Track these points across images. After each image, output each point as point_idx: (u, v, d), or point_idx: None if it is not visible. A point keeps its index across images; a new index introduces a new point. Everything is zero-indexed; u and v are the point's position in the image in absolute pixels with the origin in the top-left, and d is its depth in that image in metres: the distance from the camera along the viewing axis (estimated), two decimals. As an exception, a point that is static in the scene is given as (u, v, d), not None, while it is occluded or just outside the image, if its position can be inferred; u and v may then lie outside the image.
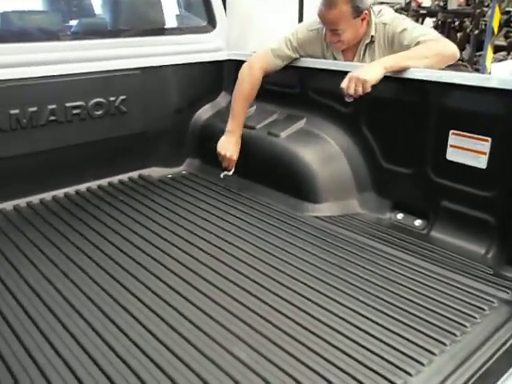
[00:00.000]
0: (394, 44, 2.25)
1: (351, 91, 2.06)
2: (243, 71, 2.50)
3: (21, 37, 2.29)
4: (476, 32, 7.44)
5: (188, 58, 2.68)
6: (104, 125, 2.47)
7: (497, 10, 4.66)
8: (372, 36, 2.30)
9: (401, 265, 1.88)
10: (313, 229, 2.16)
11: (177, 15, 2.87)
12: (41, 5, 2.53)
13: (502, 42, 7.68)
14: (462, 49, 8.37)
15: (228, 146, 2.49)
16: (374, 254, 1.95)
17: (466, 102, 1.94)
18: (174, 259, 1.91)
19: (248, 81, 2.48)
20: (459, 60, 7.89)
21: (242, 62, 2.72)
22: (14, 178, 2.27)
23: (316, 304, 1.63)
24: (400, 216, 2.23)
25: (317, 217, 2.26)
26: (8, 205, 2.30)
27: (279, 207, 2.35)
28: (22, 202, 2.34)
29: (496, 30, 4.93)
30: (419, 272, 1.83)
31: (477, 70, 6.87)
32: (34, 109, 2.25)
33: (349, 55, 2.40)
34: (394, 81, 2.11)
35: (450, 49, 2.13)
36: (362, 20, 2.26)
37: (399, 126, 2.18)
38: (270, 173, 2.47)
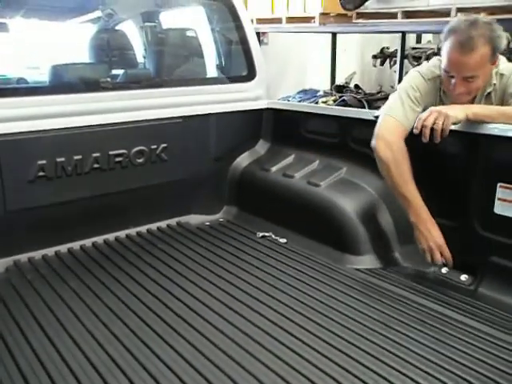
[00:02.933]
0: (505, 96, 2.06)
1: (429, 123, 1.89)
2: (383, 153, 2.08)
3: (68, 88, 2.37)
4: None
5: (228, 107, 2.72)
6: (144, 172, 2.51)
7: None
8: (494, 84, 2.07)
9: (449, 323, 1.80)
10: (354, 282, 2.11)
11: (217, 65, 2.94)
12: (87, 56, 2.62)
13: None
14: None
15: (429, 235, 2.04)
16: (419, 311, 1.88)
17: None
18: (213, 311, 1.87)
19: (398, 157, 2.07)
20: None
21: (281, 110, 2.76)
22: (57, 224, 2.31)
23: (360, 363, 1.57)
24: (445, 270, 2.15)
25: (358, 269, 2.21)
26: (50, 251, 2.33)
27: (319, 258, 2.30)
28: (63, 248, 2.37)
29: None
30: (468, 332, 1.75)
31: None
32: (79, 157, 2.30)
33: None
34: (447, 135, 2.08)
35: None
36: (494, 64, 1.99)
37: (444, 177, 2.13)
38: (310, 223, 2.44)
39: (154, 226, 2.64)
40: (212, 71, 2.89)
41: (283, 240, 2.49)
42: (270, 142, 2.88)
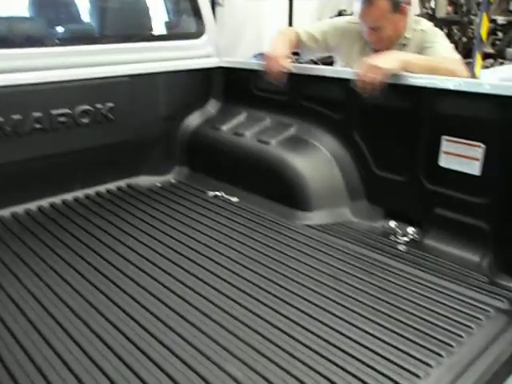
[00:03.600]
0: (422, 53, 2.28)
1: (367, 78, 2.00)
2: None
3: (4, 43, 2.23)
4: (464, 40, 7.48)
5: (177, 65, 2.64)
6: (91, 133, 2.42)
7: (485, 18, 4.68)
8: (406, 38, 2.35)
9: (395, 274, 1.84)
10: (304, 237, 2.12)
11: (165, 21, 2.83)
12: (26, 11, 2.47)
13: (489, 49, 7.74)
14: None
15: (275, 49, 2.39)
16: (367, 263, 1.91)
17: (459, 108, 1.92)
18: (162, 269, 1.85)
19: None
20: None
21: (232, 69, 2.70)
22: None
23: (308, 315, 1.59)
24: (393, 224, 2.19)
25: (308, 225, 2.22)
26: (-10, 215, 2.24)
27: (270, 216, 2.30)
28: (5, 212, 2.27)
29: (485, 37, 4.96)
30: (413, 281, 1.79)
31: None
32: (19, 116, 2.19)
33: None
34: (385, 86, 2.09)
35: (464, 74, 2.12)
36: (402, 15, 2.29)
37: (391, 133, 2.15)
38: (260, 181, 2.43)
39: (102, 188, 2.57)
40: (159, 28, 2.78)
41: (235, 199, 2.48)
42: (221, 101, 2.82)
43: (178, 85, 2.68)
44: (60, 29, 2.44)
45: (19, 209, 2.31)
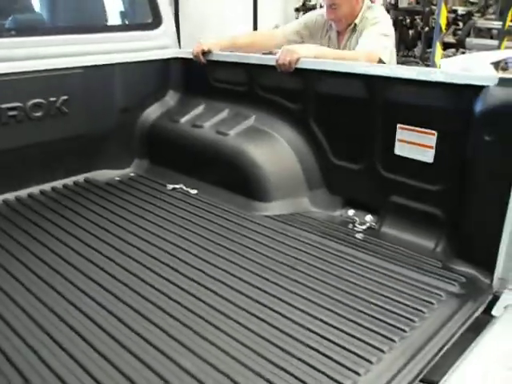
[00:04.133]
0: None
1: (280, 60, 2.22)
2: None
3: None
4: (426, 29, 7.59)
5: (133, 56, 2.59)
6: (44, 127, 2.36)
7: (443, 8, 4.76)
8: (356, 24, 2.53)
9: (351, 262, 1.86)
10: (263, 228, 2.12)
11: (120, 12, 2.77)
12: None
13: (450, 39, 7.88)
14: (413, 46, 8.56)
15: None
16: (325, 252, 1.93)
17: (412, 96, 1.93)
18: (119, 265, 1.83)
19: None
20: (411, 56, 8.03)
21: (190, 60, 2.67)
22: None
23: (264, 305, 1.59)
24: (351, 212, 2.21)
25: (267, 216, 2.22)
26: None
27: (228, 207, 2.29)
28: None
29: (444, 27, 5.03)
30: (369, 268, 1.81)
31: (427, 66, 7.01)
32: (-35, 110, 2.12)
33: (341, 39, 2.63)
34: (339, 76, 2.10)
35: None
36: None
37: (347, 122, 2.16)
38: (220, 172, 2.42)
39: (59, 184, 2.51)
40: (114, 18, 2.72)
41: (194, 191, 2.46)
42: (179, 93, 2.78)
43: (135, 76, 2.63)
44: (9, 18, 2.35)
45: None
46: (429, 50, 7.69)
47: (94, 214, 2.24)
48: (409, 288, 1.69)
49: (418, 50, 8.03)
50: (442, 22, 4.86)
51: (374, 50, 2.33)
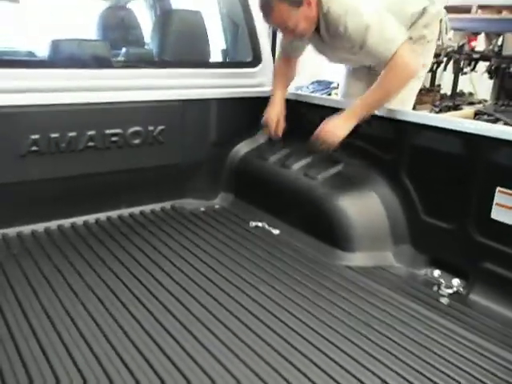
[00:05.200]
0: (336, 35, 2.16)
1: (322, 142, 2.22)
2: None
3: (68, 63, 2.33)
4: (531, 79, 7.21)
5: (230, 93, 2.66)
6: (140, 153, 2.47)
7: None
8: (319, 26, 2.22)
9: (435, 329, 1.74)
10: (343, 279, 2.06)
11: (222, 49, 2.87)
12: (91, 33, 2.57)
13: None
14: (516, 95, 8.15)
15: (266, 115, 2.54)
16: (406, 315, 1.83)
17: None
18: (195, 299, 1.84)
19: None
20: (509, 106, 7.64)
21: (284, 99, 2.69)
22: (47, 201, 2.29)
23: (339, 365, 1.53)
24: (437, 273, 2.10)
25: (348, 266, 2.16)
26: (39, 226, 2.31)
27: (310, 253, 2.25)
28: (53, 224, 2.34)
29: None
30: (453, 339, 1.69)
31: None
32: (74, 134, 2.26)
33: (320, 39, 2.31)
34: (438, 131, 2.03)
35: (407, 71, 2.12)
36: (308, 5, 2.12)
37: (441, 178, 2.07)
38: (304, 216, 2.39)
39: (147, 209, 2.61)
40: (216, 55, 2.82)
41: (276, 231, 2.45)
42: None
43: (230, 112, 2.70)
44: (122, 52, 2.51)
45: (65, 222, 2.38)
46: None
47: (174, 242, 2.29)
48: (498, 369, 1.55)
49: (520, 100, 7.64)
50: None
51: (393, 51, 2.06)
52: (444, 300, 1.94)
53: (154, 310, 1.74)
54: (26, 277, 1.91)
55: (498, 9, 4.63)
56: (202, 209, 2.71)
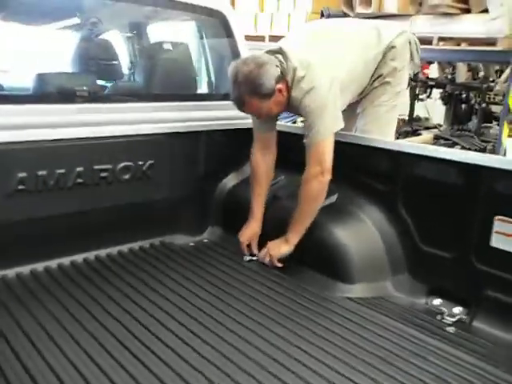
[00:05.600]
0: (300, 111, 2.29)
1: (266, 261, 2.38)
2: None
3: (52, 98, 2.25)
4: (483, 105, 7.58)
5: (218, 125, 2.65)
6: (130, 189, 2.40)
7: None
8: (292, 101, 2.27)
9: (443, 358, 1.75)
10: (347, 312, 2.04)
11: (208, 81, 2.86)
12: (71, 67, 2.50)
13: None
14: (467, 120, 8.53)
15: (241, 232, 2.51)
16: (418, 346, 1.82)
17: (513, 188, 1.89)
18: (193, 333, 1.80)
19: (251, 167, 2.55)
20: (466, 130, 7.97)
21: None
22: (34, 241, 2.17)
23: None
24: (437, 302, 2.12)
25: (349, 298, 2.15)
26: (25, 269, 2.19)
27: (309, 286, 2.23)
28: (39, 266, 2.23)
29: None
30: (464, 367, 1.70)
31: (483, 142, 6.97)
32: (62, 171, 2.18)
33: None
34: (435, 161, 2.08)
35: (318, 189, 2.25)
36: (279, 93, 2.20)
37: (439, 208, 2.11)
38: (300, 248, 2.37)
39: (136, 246, 2.53)
40: (203, 87, 2.80)
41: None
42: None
43: (218, 145, 2.67)
44: (110, 85, 2.45)
45: (52, 263, 2.27)
46: (486, 125, 7.69)
47: (167, 278, 2.23)
48: None
49: (472, 124, 7.99)
50: (510, 101, 4.85)
51: (317, 152, 2.20)
52: (450, 329, 1.96)
53: (150, 344, 1.72)
54: (15, 320, 1.82)
55: (457, 41, 4.85)
56: (192, 244, 2.65)
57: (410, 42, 2.51)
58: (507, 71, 7.81)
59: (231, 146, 2.71)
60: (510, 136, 4.81)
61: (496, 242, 1.93)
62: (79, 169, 2.22)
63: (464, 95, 8.06)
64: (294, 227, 2.31)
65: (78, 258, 2.34)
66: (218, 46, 2.78)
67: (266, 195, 2.53)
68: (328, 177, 2.22)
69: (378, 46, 2.43)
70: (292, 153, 2.61)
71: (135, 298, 2.04)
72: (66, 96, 2.27)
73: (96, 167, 2.27)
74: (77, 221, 2.28)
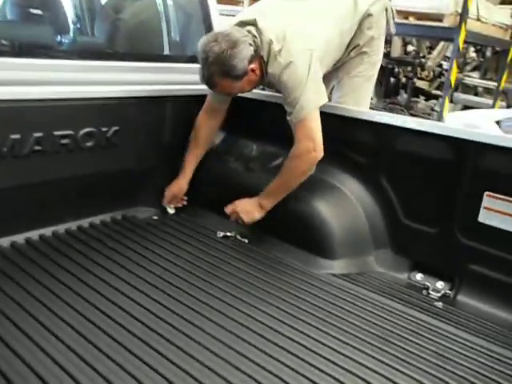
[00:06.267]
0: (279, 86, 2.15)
1: (232, 219, 2.29)
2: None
3: (5, 50, 1.95)
4: (414, 80, 7.81)
5: (187, 90, 2.44)
6: (92, 158, 2.16)
7: (454, 64, 4.90)
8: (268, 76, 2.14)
9: (439, 334, 1.75)
10: (330, 287, 1.98)
11: (178, 42, 2.62)
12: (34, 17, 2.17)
13: (436, 91, 8.17)
14: (395, 94, 8.78)
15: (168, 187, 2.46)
16: (404, 320, 1.81)
17: (504, 164, 1.89)
18: (155, 315, 1.66)
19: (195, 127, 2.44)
20: (396, 104, 8.17)
21: (241, 97, 2.53)
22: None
23: (362, 379, 1.46)
24: (419, 277, 2.11)
25: (332, 274, 2.09)
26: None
27: (290, 261, 2.14)
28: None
29: (453, 83, 5.19)
30: (461, 344, 1.71)
31: (412, 115, 7.19)
32: (17, 136, 1.90)
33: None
34: (422, 135, 2.03)
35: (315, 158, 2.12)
36: (251, 72, 2.08)
37: (425, 183, 2.09)
38: (279, 223, 2.26)
39: (96, 220, 2.30)
40: (172, 48, 2.56)
41: (245, 240, 2.30)
42: (227, 131, 2.63)
43: (184, 111, 2.47)
44: (68, 40, 2.16)
45: (4, 241, 2.00)
46: (415, 99, 7.96)
47: (129, 254, 2.06)
48: (492, 361, 1.61)
49: (402, 98, 8.22)
50: (452, 77, 5.00)
51: (304, 128, 2.09)
52: (438, 304, 1.96)
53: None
54: None
55: (405, 15, 4.88)
56: (155, 217, 2.46)
57: (386, 9, 2.43)
58: (438, 48, 8.11)
59: (197, 113, 2.51)
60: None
61: (483, 217, 1.94)
62: (37, 134, 1.95)
63: (397, 70, 8.26)
64: (271, 196, 2.21)
65: (33, 234, 2.08)
66: (187, 5, 2.54)
67: (201, 157, 2.46)
68: (320, 154, 2.11)
69: (354, 16, 2.33)
70: (264, 122, 2.50)
71: (98, 272, 1.87)
72: (20, 49, 1.98)
73: (56, 133, 2.01)
74: (33, 193, 2.02)
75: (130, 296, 1.74)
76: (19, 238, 2.04)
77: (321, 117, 2.17)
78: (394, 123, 2.11)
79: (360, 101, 2.44)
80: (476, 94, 7.69)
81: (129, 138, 2.26)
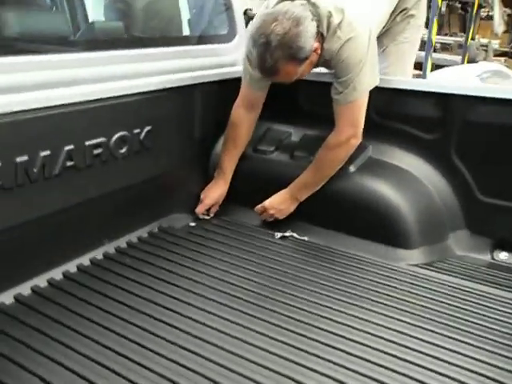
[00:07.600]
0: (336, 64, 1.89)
1: (262, 218, 2.13)
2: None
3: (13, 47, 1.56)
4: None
5: (213, 75, 2.13)
6: (126, 168, 1.83)
7: (435, 24, 4.83)
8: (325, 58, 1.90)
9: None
10: (420, 280, 1.78)
11: (196, 21, 2.26)
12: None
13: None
14: None
15: (207, 191, 2.18)
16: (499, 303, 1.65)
17: None
18: (214, 329, 1.46)
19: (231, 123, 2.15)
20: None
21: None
22: (13, 256, 1.55)
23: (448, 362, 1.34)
24: (504, 256, 1.97)
25: (415, 265, 1.90)
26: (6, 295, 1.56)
27: (364, 256, 1.93)
28: (26, 287, 1.61)
29: (434, 42, 5.12)
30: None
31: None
32: (47, 153, 1.54)
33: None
34: (497, 103, 1.85)
35: (347, 154, 1.98)
36: (314, 53, 1.83)
37: (501, 154, 1.92)
38: (340, 215, 2.04)
39: (133, 237, 1.98)
40: (190, 29, 2.22)
41: (304, 238, 2.05)
42: (260, 117, 2.32)
43: (212, 99, 2.16)
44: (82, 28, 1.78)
45: (40, 279, 1.65)
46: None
47: (176, 266, 1.80)
48: None
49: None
50: (433, 37, 4.92)
51: (351, 112, 1.91)
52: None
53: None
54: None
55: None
56: (192, 224, 2.15)
57: None
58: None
59: (223, 101, 2.18)
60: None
61: None
62: (68, 147, 1.60)
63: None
64: (306, 188, 2.04)
65: (71, 266, 1.74)
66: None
67: (237, 158, 2.18)
68: (359, 140, 1.96)
69: None
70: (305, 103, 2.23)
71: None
72: (30, 44, 1.59)
73: (88, 143, 1.66)
74: (68, 218, 1.68)
75: (219, 314, 1.52)
76: (56, 273, 1.70)
77: (374, 93, 1.94)
78: (462, 92, 1.92)
79: (407, 69, 2.26)
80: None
81: (161, 139, 1.93)
